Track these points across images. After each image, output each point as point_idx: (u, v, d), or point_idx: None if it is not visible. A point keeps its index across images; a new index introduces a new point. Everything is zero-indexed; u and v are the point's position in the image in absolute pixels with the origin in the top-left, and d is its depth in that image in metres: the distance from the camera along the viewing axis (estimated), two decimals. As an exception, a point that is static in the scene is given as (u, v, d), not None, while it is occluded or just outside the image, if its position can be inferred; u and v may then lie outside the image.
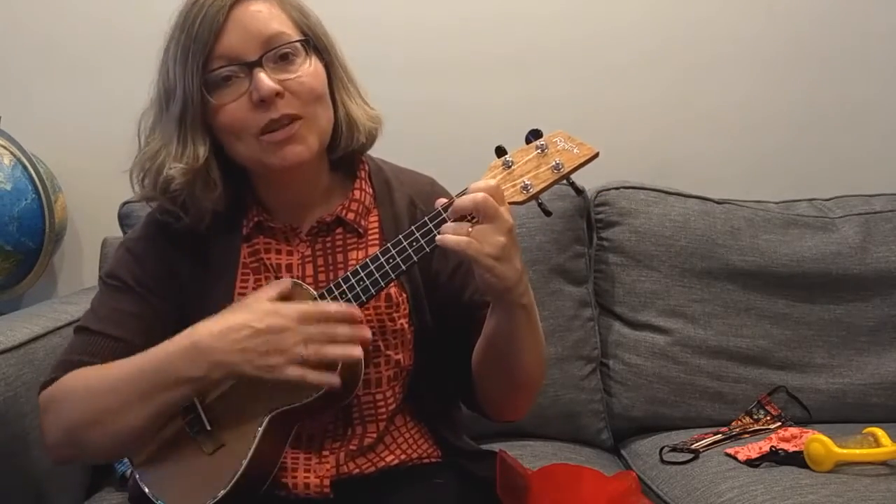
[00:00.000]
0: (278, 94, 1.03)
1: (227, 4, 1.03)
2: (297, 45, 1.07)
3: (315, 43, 1.10)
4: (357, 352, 0.98)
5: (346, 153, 1.14)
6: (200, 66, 1.03)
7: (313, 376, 0.97)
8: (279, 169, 1.07)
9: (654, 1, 1.92)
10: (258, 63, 1.03)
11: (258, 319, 0.98)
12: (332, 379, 0.98)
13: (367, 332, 1.00)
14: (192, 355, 0.99)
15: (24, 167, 1.73)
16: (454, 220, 0.97)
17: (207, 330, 0.99)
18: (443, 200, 1.00)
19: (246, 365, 0.97)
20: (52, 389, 1.07)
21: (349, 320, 0.99)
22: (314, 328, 0.97)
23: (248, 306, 1.00)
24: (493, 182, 0.98)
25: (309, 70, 1.07)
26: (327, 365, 0.98)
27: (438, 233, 0.98)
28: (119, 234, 1.67)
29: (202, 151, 1.06)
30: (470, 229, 0.95)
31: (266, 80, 1.03)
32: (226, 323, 0.99)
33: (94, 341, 1.10)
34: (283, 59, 1.05)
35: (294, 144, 1.05)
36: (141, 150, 1.11)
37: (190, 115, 1.05)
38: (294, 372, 0.97)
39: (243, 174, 1.14)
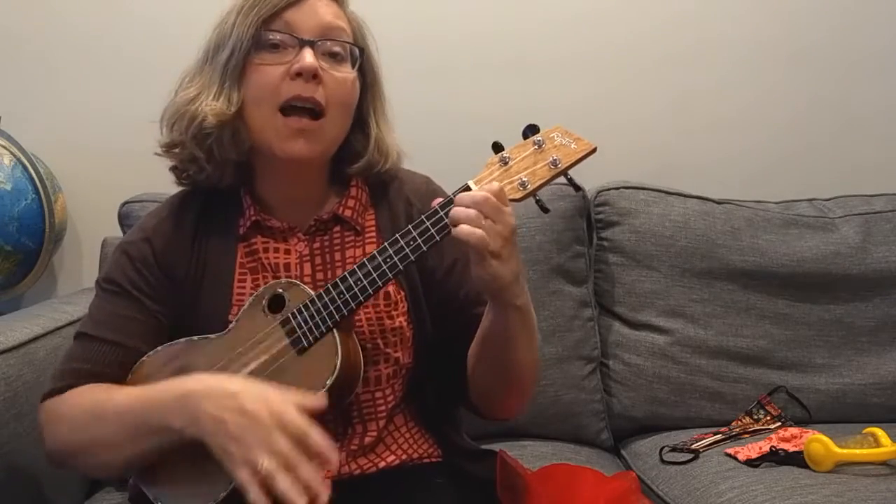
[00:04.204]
0: (315, 76, 1.06)
1: None
2: (349, 51, 1.11)
3: (364, 62, 1.14)
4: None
5: (358, 174, 1.16)
6: (260, 21, 1.07)
7: (254, 494, 0.89)
8: (281, 157, 1.08)
9: (654, 4, 1.93)
10: (311, 43, 1.07)
11: (250, 398, 0.93)
12: None
13: (325, 492, 0.92)
14: (180, 404, 0.96)
15: (24, 167, 1.73)
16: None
17: (204, 383, 0.97)
18: (440, 200, 1.01)
19: (212, 437, 0.93)
20: (55, 404, 1.07)
21: (321, 461, 0.93)
22: (285, 446, 0.91)
23: (253, 383, 0.97)
24: (496, 185, 0.97)
25: (349, 78, 1.10)
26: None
27: (435, 231, 0.98)
28: (119, 234, 1.67)
29: (235, 98, 1.08)
30: (483, 222, 0.95)
31: (310, 56, 1.06)
32: (222, 384, 0.96)
33: (93, 347, 1.10)
34: (332, 57, 1.10)
35: (304, 140, 1.07)
36: (177, 94, 1.12)
37: (234, 61, 1.07)
38: (244, 476, 0.90)
39: (244, 171, 1.14)
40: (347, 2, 1.15)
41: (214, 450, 0.94)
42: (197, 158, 1.11)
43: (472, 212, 0.95)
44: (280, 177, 1.14)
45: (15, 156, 1.73)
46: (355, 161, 1.15)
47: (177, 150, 1.12)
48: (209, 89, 1.09)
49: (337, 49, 1.10)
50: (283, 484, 0.89)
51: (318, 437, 0.93)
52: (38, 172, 1.73)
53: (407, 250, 1.00)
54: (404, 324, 1.13)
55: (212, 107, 1.07)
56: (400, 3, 1.87)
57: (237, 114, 1.08)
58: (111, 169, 1.84)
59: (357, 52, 1.12)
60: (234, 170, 1.13)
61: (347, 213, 1.15)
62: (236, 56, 1.07)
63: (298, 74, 1.06)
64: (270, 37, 1.07)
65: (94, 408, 1.04)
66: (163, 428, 0.97)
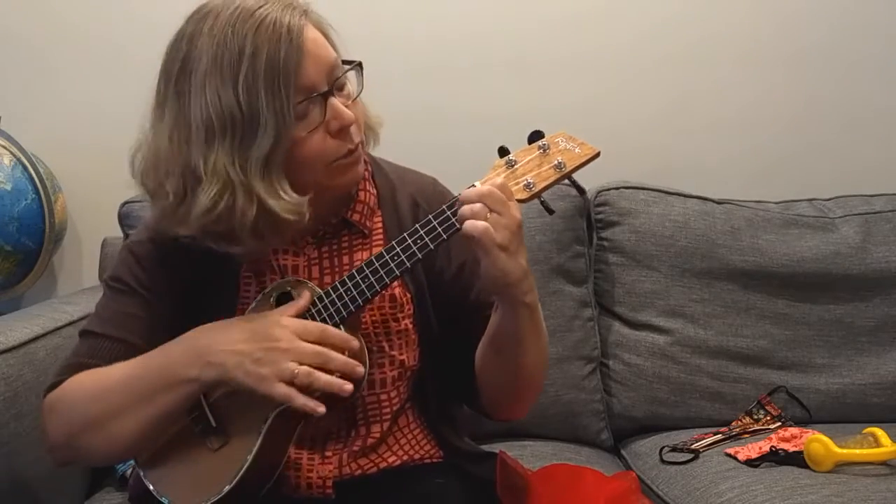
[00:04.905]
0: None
1: (300, 27, 0.99)
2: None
3: (362, 71, 1.08)
4: (347, 386, 0.97)
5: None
6: (293, 99, 0.97)
7: (300, 401, 0.95)
8: (337, 188, 1.07)
9: (654, 4, 1.93)
10: (331, 92, 1.01)
11: (259, 326, 0.99)
12: (318, 407, 0.96)
13: (360, 368, 0.99)
14: (188, 355, 1.00)
15: (24, 167, 1.73)
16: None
17: (208, 331, 1.01)
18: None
19: (237, 370, 0.97)
20: (55, 393, 1.07)
21: (347, 348, 0.99)
22: (310, 347, 0.97)
23: (254, 316, 1.01)
24: (499, 180, 0.99)
25: (354, 96, 1.06)
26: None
27: (442, 230, 0.99)
28: (119, 234, 1.67)
29: (287, 186, 1.00)
30: (488, 215, 0.95)
31: (346, 109, 1.02)
32: (227, 325, 1.01)
33: (98, 344, 1.10)
34: (341, 88, 1.05)
35: (357, 167, 1.06)
36: (205, 188, 0.98)
37: (280, 151, 0.98)
38: (281, 390, 0.95)
39: None
40: (310, 10, 1.05)
41: (242, 382, 0.97)
42: (235, 236, 1.03)
43: (477, 206, 0.96)
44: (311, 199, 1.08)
45: (15, 156, 1.73)
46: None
47: (209, 233, 1.03)
48: (249, 183, 0.98)
49: (341, 78, 1.04)
50: (324, 378, 0.96)
51: (335, 331, 0.99)
52: (38, 172, 1.73)
53: (414, 248, 1.00)
54: (410, 326, 1.13)
55: (287, 208, 0.99)
56: (400, 3, 1.87)
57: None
58: (111, 169, 1.80)
59: (358, 68, 1.07)
60: None
61: (356, 217, 1.14)
62: (282, 147, 0.98)
63: (341, 130, 1.02)
64: (300, 109, 0.99)
65: (95, 385, 1.04)
66: (176, 382, 1.00)
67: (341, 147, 1.03)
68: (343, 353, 0.98)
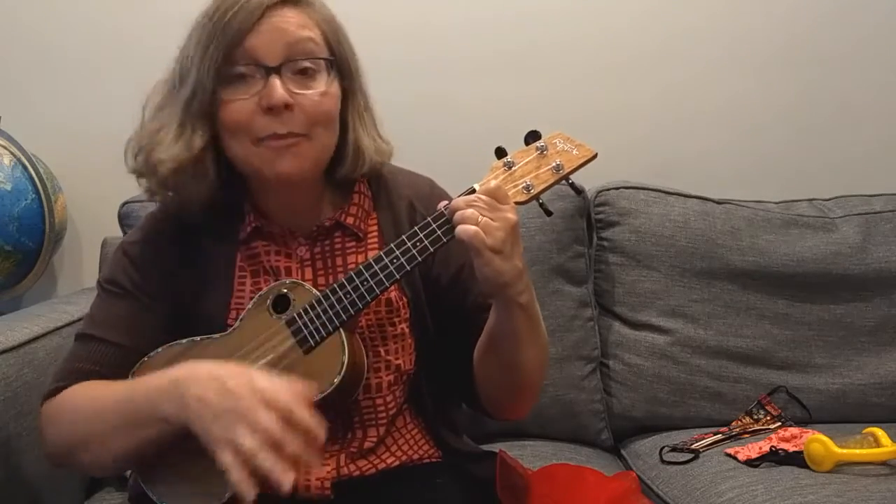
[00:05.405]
0: (287, 107, 1.01)
1: (264, 4, 1.02)
2: (321, 62, 1.05)
3: (339, 66, 1.08)
4: (286, 485, 0.85)
5: (344, 178, 1.13)
6: (220, 59, 1.01)
7: (235, 477, 0.85)
8: (272, 179, 1.06)
9: (653, 1, 1.93)
10: (276, 70, 1.02)
11: (231, 377, 0.91)
12: (248, 496, 0.85)
13: (317, 463, 0.95)
14: (169, 390, 0.95)
15: (24, 167, 1.73)
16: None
17: (192, 369, 0.96)
18: (445, 203, 1.01)
19: (197, 419, 0.90)
20: (54, 403, 1.07)
21: (309, 437, 0.88)
22: (269, 423, 0.86)
23: (238, 365, 0.97)
24: (493, 184, 0.99)
25: (326, 91, 1.05)
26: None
27: (441, 233, 0.99)
28: (119, 234, 1.67)
29: (199, 142, 1.04)
30: (479, 219, 0.95)
31: (279, 88, 1.01)
32: (209, 369, 0.95)
33: (95, 348, 1.10)
34: (304, 74, 1.04)
35: (289, 158, 1.04)
36: (143, 125, 1.09)
37: (197, 102, 1.03)
38: (225, 457, 0.86)
39: (241, 180, 1.12)
40: (313, 3, 1.08)
41: (199, 433, 0.90)
42: (164, 190, 1.10)
43: (467, 210, 0.96)
44: (275, 190, 1.11)
45: (15, 156, 1.73)
46: (333, 167, 1.12)
47: (143, 180, 1.10)
48: (169, 127, 1.05)
49: (307, 65, 1.04)
50: (267, 462, 0.85)
51: (304, 413, 0.89)
52: (38, 172, 1.73)
53: (413, 251, 1.00)
54: (406, 330, 1.13)
55: (169, 153, 1.04)
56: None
57: (200, 152, 1.05)
58: (111, 169, 1.82)
59: (328, 65, 1.06)
60: (203, 212, 1.10)
61: (349, 220, 1.13)
62: (199, 98, 1.03)
63: (270, 109, 1.01)
64: (234, 70, 1.02)
65: (90, 403, 1.04)
66: (154, 417, 0.96)
67: (266, 126, 1.02)
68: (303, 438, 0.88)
